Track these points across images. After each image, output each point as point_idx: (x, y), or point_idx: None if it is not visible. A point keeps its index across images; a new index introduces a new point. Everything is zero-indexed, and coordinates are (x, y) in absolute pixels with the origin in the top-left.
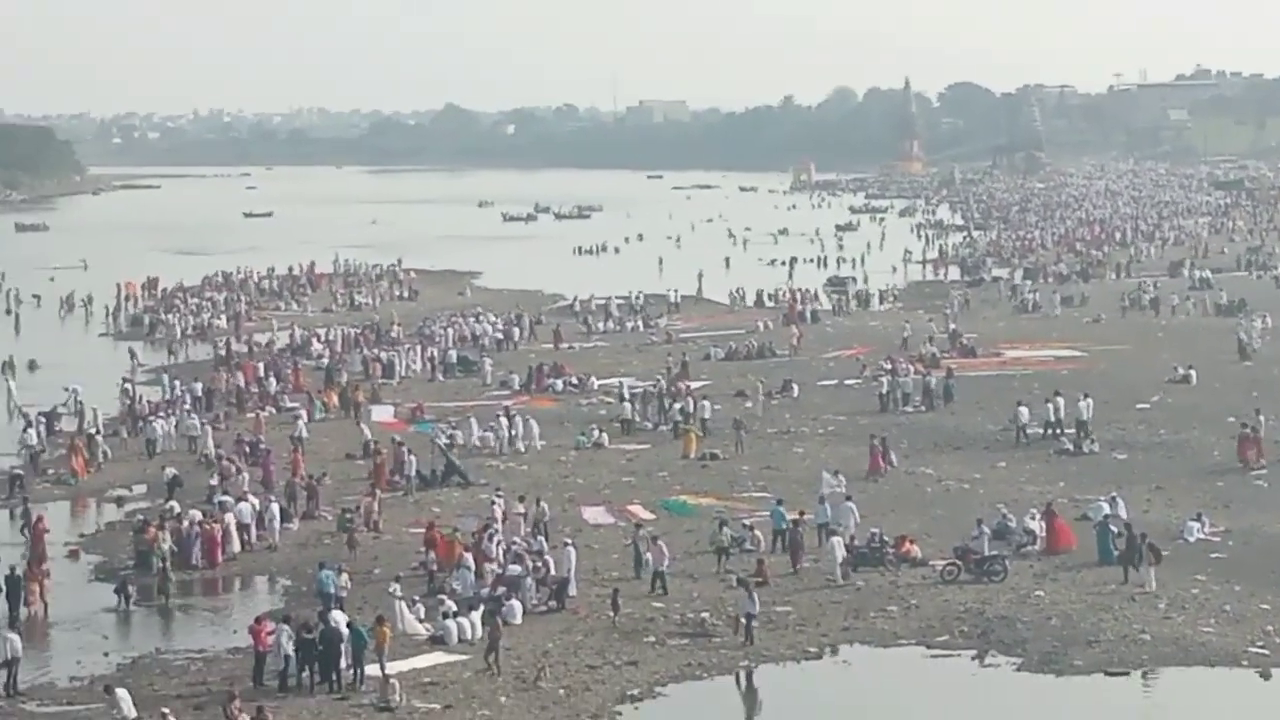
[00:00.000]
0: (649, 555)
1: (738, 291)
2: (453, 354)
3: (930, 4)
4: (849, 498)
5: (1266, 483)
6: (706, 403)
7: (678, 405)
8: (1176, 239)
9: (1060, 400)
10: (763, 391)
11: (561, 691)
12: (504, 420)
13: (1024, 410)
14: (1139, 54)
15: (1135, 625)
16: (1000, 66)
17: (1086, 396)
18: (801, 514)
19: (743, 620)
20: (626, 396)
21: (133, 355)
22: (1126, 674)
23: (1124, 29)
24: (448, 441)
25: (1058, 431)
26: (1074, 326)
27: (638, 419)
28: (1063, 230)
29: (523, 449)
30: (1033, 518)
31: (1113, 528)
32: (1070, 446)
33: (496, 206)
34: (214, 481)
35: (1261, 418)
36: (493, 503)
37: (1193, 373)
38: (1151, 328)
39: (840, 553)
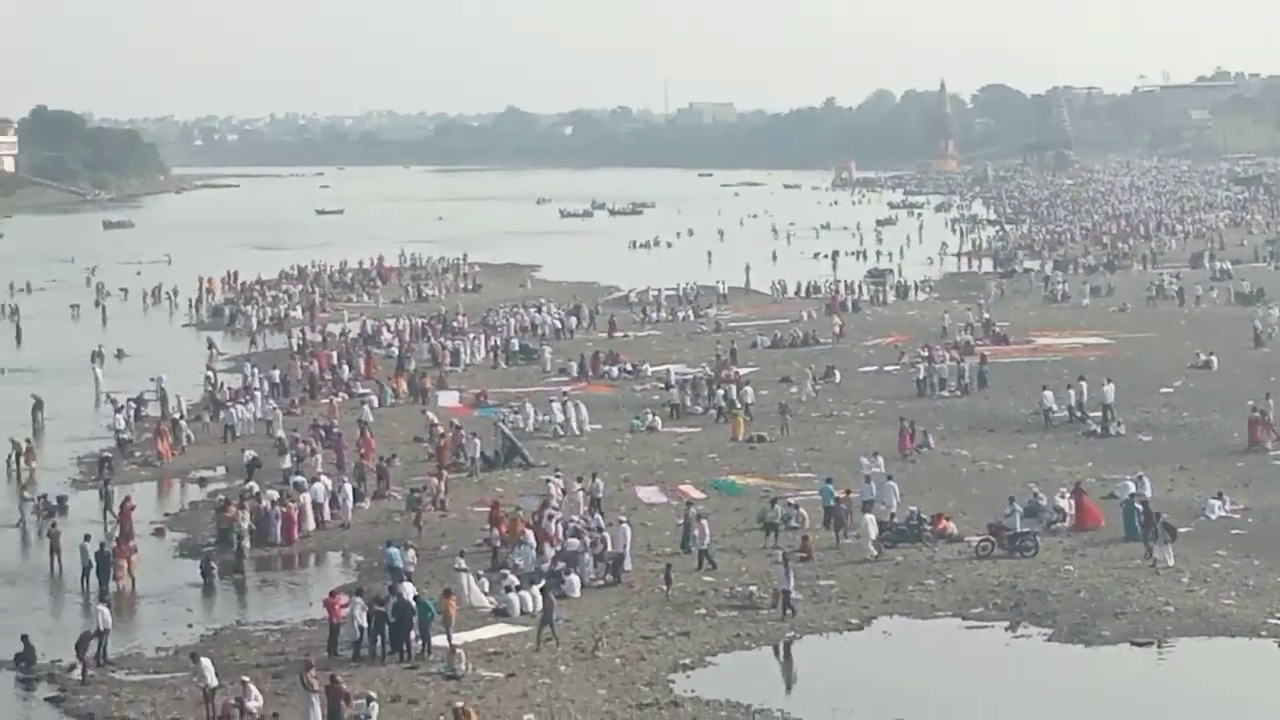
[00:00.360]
0: (697, 532)
1: (779, 283)
2: (514, 342)
3: (965, 9)
4: (890, 477)
5: None
6: (749, 389)
7: (721, 391)
8: (1198, 232)
9: (1084, 385)
10: (811, 377)
11: (618, 661)
12: (556, 405)
13: (1048, 394)
14: (1162, 57)
15: (1160, 598)
16: (1030, 69)
17: (1109, 381)
18: (848, 492)
19: (781, 595)
20: (673, 382)
21: (211, 345)
22: (1152, 644)
23: (1148, 33)
24: (510, 425)
25: (1081, 414)
26: (1101, 315)
27: (688, 403)
28: (1090, 224)
29: (577, 432)
30: (1062, 496)
31: (1138, 506)
32: (1097, 429)
33: (554, 203)
34: (287, 464)
35: (1271, 401)
36: (548, 481)
37: (1214, 359)
38: (1175, 316)
39: (873, 530)
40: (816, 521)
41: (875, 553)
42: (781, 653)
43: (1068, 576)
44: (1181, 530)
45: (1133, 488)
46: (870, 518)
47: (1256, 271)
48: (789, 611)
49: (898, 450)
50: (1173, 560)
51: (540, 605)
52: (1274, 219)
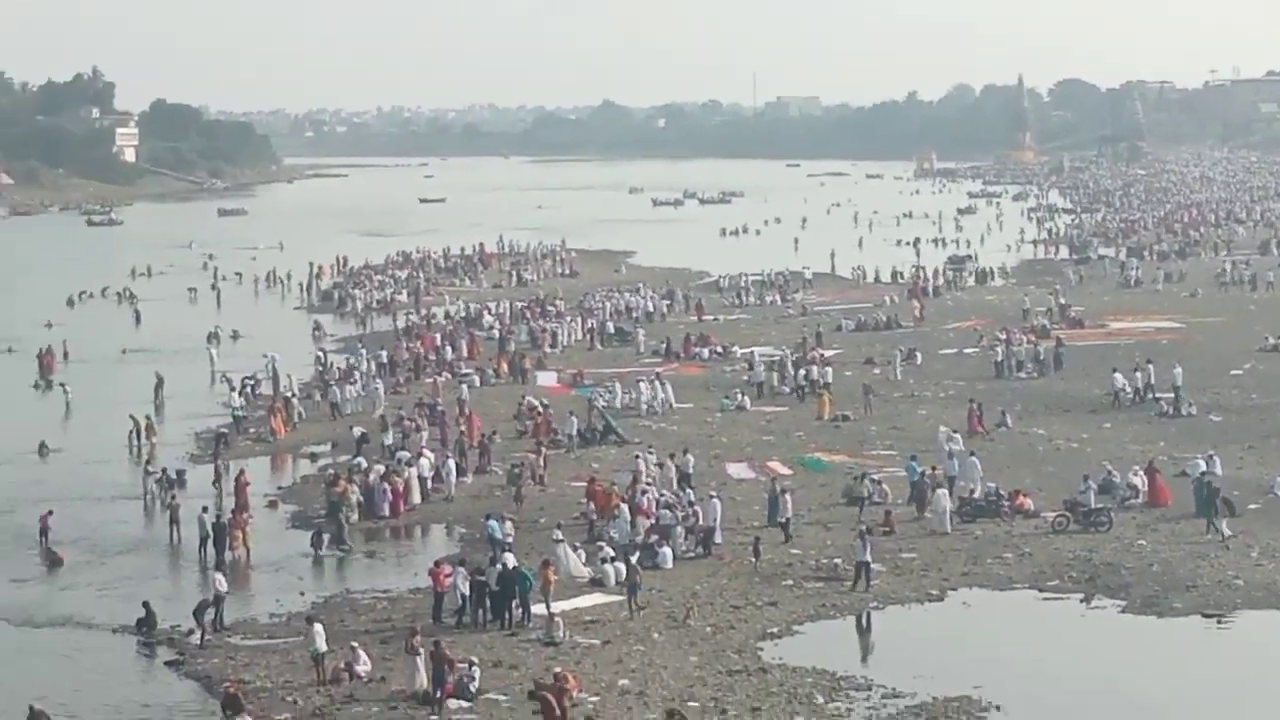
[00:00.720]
0: (781, 506)
1: (858, 269)
2: (609, 325)
3: (1044, 5)
4: (973, 454)
5: None
6: (829, 369)
7: (801, 371)
8: (1266, 220)
9: (1151, 368)
10: (899, 358)
11: (708, 629)
12: (643, 385)
13: (1118, 376)
14: (1233, 51)
15: (1230, 572)
16: (1105, 64)
17: (1177, 365)
18: (933, 468)
19: (859, 567)
20: (755, 364)
21: (318, 328)
22: (1223, 616)
23: (1219, 28)
24: (605, 404)
25: (1149, 396)
26: (1173, 300)
27: (775, 383)
28: (1163, 213)
29: (660, 411)
30: (1135, 474)
31: (1211, 482)
32: (1169, 409)
33: (646, 193)
34: (389, 440)
35: None
36: (637, 457)
37: None
38: (1244, 301)
39: (946, 504)
40: (899, 497)
41: (949, 524)
42: (864, 622)
43: (1140, 551)
44: (1250, 507)
45: (1203, 466)
46: (943, 492)
47: None
48: (868, 583)
49: (967, 430)
50: (1228, 533)
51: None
52: None
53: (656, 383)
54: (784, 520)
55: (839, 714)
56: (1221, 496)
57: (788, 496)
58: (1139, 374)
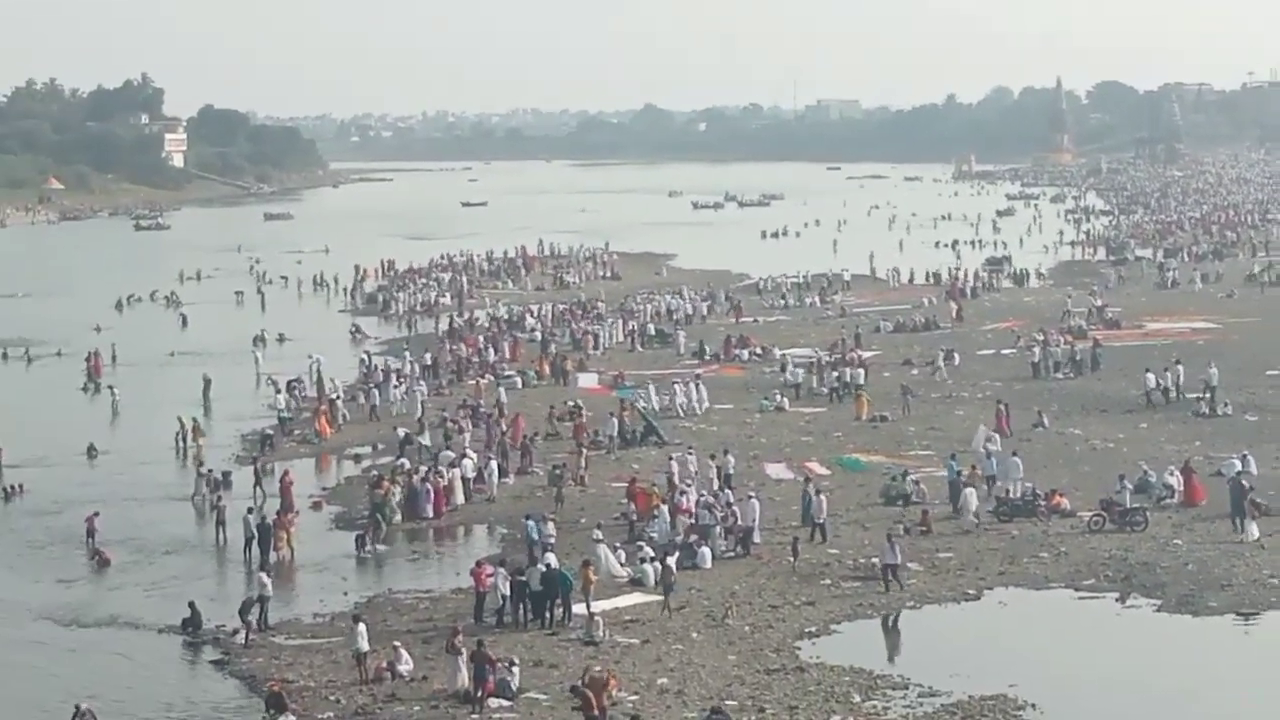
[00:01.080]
0: (814, 505)
1: (893, 270)
2: (650, 327)
3: (1082, 7)
4: (1015, 453)
5: None
6: (861, 370)
7: (835, 374)
8: None
9: (1180, 368)
10: (943, 359)
11: (747, 628)
12: (678, 387)
13: (1150, 376)
14: (1271, 54)
15: (1265, 571)
16: (1143, 66)
17: (1212, 364)
18: (973, 468)
19: (886, 569)
20: (790, 366)
21: (358, 330)
22: (1258, 615)
23: (1257, 31)
24: (645, 405)
25: (1178, 396)
26: (1210, 301)
27: (814, 384)
28: (1200, 214)
29: (698, 412)
30: (1171, 474)
31: (1245, 483)
32: (1205, 409)
33: (686, 196)
34: (425, 441)
35: None
36: (670, 459)
37: None
38: None
39: (974, 503)
40: (936, 497)
41: (976, 522)
42: (902, 621)
43: (1176, 550)
44: None
45: (1239, 466)
46: (971, 491)
47: None
48: (901, 584)
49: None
50: (1257, 535)
51: (674, 576)
52: None
53: (691, 385)
54: (820, 521)
55: (876, 712)
56: (1250, 498)
57: (822, 497)
58: (1169, 374)
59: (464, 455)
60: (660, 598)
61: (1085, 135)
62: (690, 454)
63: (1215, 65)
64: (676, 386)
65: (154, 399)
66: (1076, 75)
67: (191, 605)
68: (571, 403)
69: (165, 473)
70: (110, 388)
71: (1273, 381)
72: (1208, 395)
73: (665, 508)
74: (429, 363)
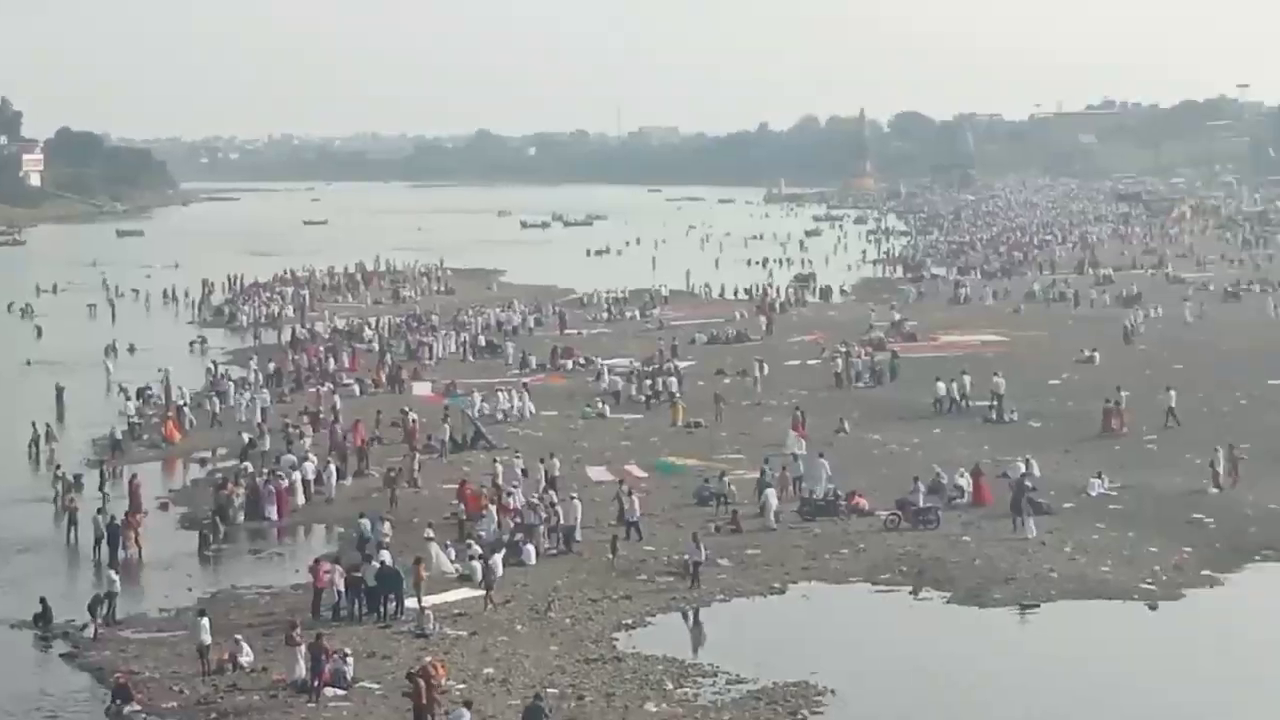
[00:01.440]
0: (626, 506)
1: (704, 286)
2: (481, 338)
3: (882, 40)
4: (821, 455)
5: (1156, 446)
6: (673, 380)
7: (647, 382)
8: (1085, 242)
9: (966, 378)
10: (759, 367)
11: (568, 620)
12: (501, 394)
13: (940, 385)
14: (1056, 87)
15: (1045, 565)
16: (941, 97)
17: (999, 374)
18: (784, 470)
19: (690, 566)
20: (607, 375)
21: (202, 341)
22: (1038, 606)
23: (1043, 65)
24: (475, 411)
25: (964, 404)
26: (998, 316)
27: (633, 392)
28: (990, 235)
29: (525, 418)
30: (962, 476)
31: (1028, 484)
32: (993, 416)
33: (516, 215)
34: (267, 446)
35: (1124, 393)
36: (495, 461)
37: (1096, 354)
38: (1064, 316)
39: (774, 503)
40: (746, 498)
41: (775, 524)
42: (712, 613)
43: (965, 547)
44: (1065, 506)
45: (1023, 468)
46: (771, 492)
47: (1134, 277)
48: (697, 582)
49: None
50: (1035, 532)
51: (499, 572)
52: (1151, 230)
53: (514, 392)
54: (633, 520)
55: (687, 699)
56: (1029, 498)
57: (634, 498)
58: (954, 384)
59: (305, 459)
60: (486, 594)
61: (886, 162)
62: (517, 457)
63: (1005, 98)
64: (500, 394)
65: (9, 406)
66: (879, 106)
67: (43, 601)
68: (403, 410)
69: (20, 476)
70: None
71: (1054, 391)
72: (995, 403)
73: (493, 508)
74: (272, 372)
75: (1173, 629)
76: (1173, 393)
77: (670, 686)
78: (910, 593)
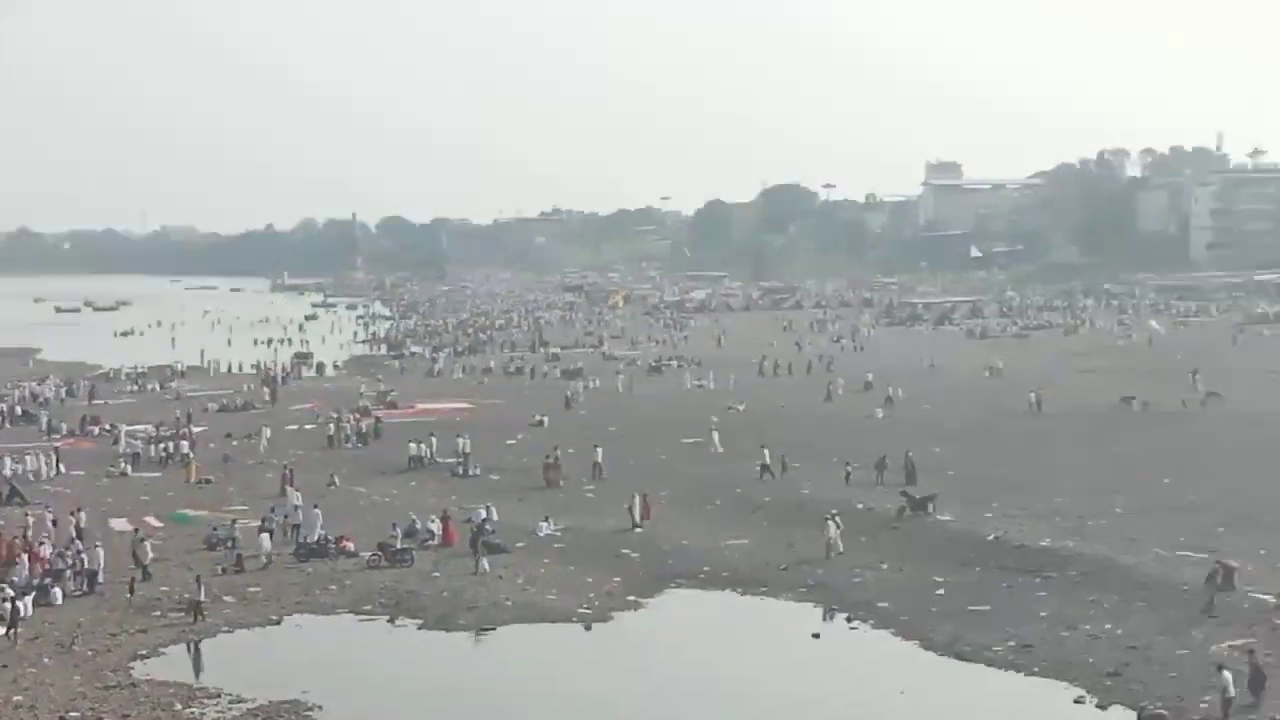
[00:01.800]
0: (139, 553)
1: (214, 361)
2: (18, 408)
3: (367, 152)
4: (316, 505)
5: (593, 494)
6: (185, 443)
7: (162, 446)
8: (537, 325)
9: (434, 439)
10: (265, 433)
11: (90, 653)
12: (29, 457)
13: (412, 445)
14: (516, 196)
15: (502, 594)
16: (420, 204)
17: (461, 435)
18: (285, 517)
19: (193, 604)
20: (124, 439)
21: None
22: (494, 629)
23: (502, 177)
24: (10, 471)
25: (435, 460)
26: (466, 386)
27: (152, 453)
28: (460, 319)
29: (53, 477)
30: (433, 521)
31: (488, 528)
32: (461, 470)
33: (50, 301)
34: None
35: (571, 450)
36: (26, 514)
37: (546, 419)
38: (519, 387)
39: (268, 545)
40: (250, 544)
41: (267, 561)
42: (217, 644)
43: (435, 581)
44: (518, 545)
45: (483, 514)
46: (265, 535)
47: (576, 354)
48: (201, 617)
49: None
50: (488, 568)
51: (30, 612)
52: (591, 314)
53: (41, 455)
54: (144, 564)
55: (194, 717)
56: (484, 539)
57: (146, 545)
58: (423, 444)
59: None
60: (20, 630)
61: (375, 257)
62: (48, 511)
63: (475, 206)
64: (28, 457)
65: None
66: (368, 210)
67: None
68: None
69: None
70: None
71: (510, 449)
72: (462, 460)
73: (25, 556)
74: None
75: (603, 645)
76: (599, 449)
77: (179, 707)
78: (388, 620)
